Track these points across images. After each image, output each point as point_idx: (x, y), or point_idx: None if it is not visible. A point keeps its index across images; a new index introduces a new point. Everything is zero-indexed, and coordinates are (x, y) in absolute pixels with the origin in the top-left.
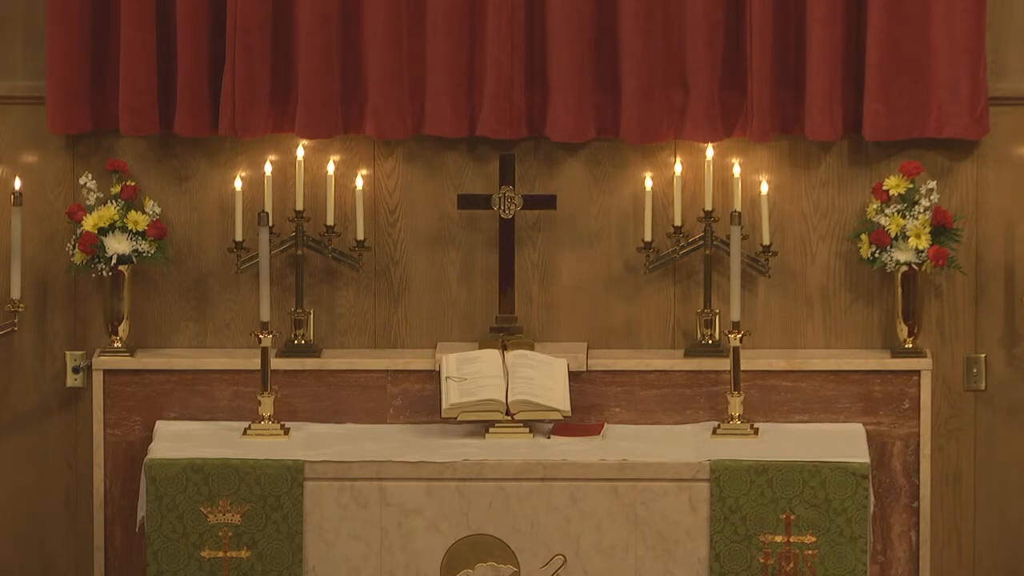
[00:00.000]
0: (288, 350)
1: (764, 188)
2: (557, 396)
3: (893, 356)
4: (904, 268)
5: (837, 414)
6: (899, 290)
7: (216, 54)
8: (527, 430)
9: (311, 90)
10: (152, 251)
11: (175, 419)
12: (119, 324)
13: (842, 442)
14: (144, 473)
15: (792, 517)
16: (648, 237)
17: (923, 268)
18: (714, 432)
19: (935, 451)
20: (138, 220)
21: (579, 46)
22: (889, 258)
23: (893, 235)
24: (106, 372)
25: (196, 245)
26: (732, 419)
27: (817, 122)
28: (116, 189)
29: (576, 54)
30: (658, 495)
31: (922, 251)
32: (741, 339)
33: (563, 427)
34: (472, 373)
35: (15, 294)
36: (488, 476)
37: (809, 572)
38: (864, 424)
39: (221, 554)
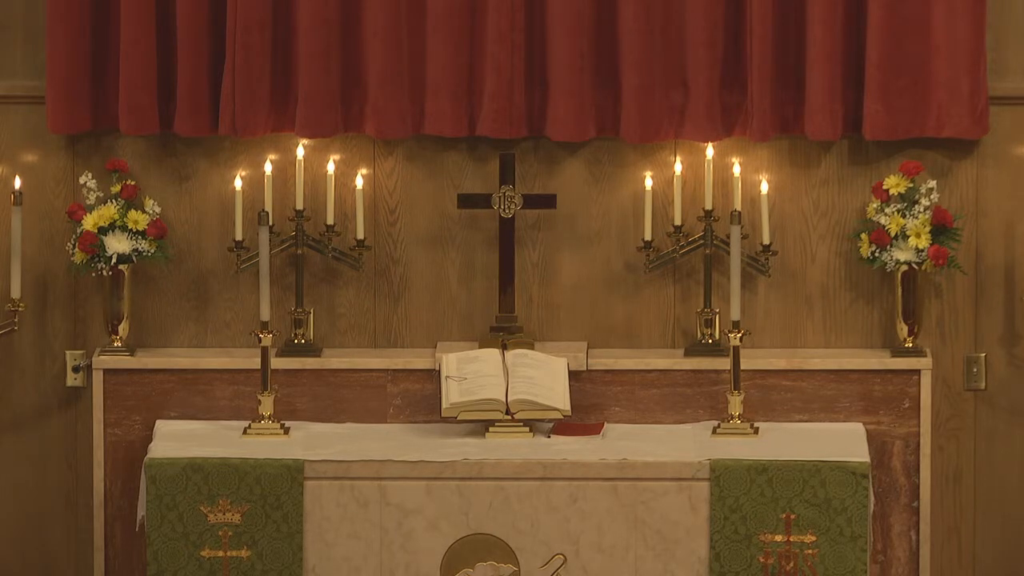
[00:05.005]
0: (288, 349)
1: (764, 188)
2: (557, 395)
3: (893, 356)
4: (904, 267)
5: (837, 414)
6: (899, 290)
7: (216, 54)
8: (527, 429)
9: (311, 90)
10: (152, 250)
11: (175, 419)
12: (119, 323)
13: (842, 442)
14: (144, 473)
15: (792, 516)
16: (648, 236)
17: (923, 268)
18: (714, 431)
19: (935, 451)
20: (138, 219)
21: (579, 45)
22: (889, 257)
23: (893, 234)
24: (106, 371)
25: (196, 245)
26: (732, 418)
27: (817, 122)
28: (116, 188)
29: (576, 53)
30: (658, 495)
31: (922, 250)
32: (741, 338)
33: (563, 426)
34: (472, 372)
35: (15, 293)
36: (488, 476)
37: (809, 572)
38: (864, 424)
39: (221, 554)
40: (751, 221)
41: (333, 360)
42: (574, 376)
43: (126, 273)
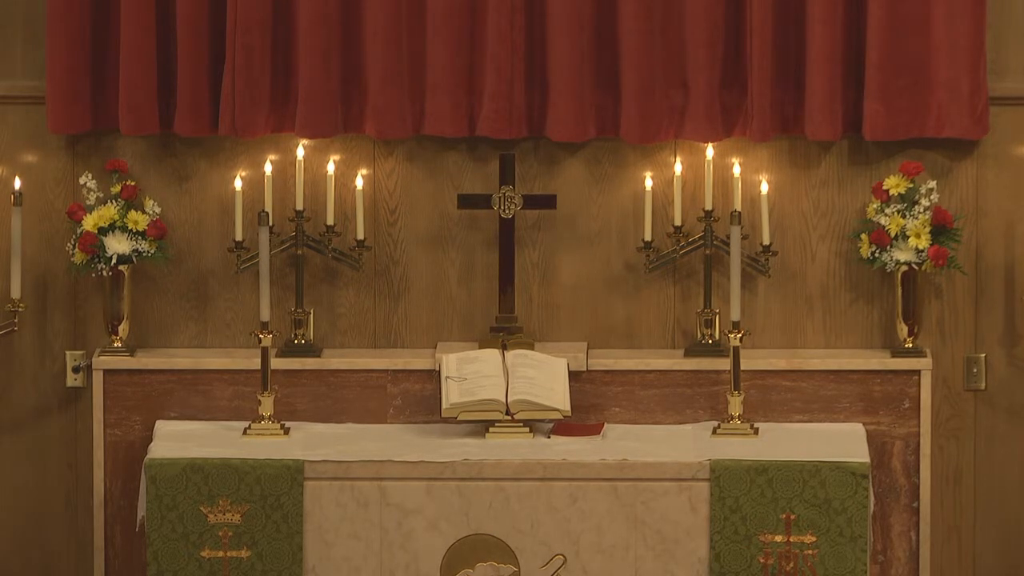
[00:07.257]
0: (288, 350)
1: (764, 188)
2: (557, 396)
3: (893, 356)
4: (904, 268)
5: (837, 414)
6: (899, 290)
7: (216, 54)
8: (527, 430)
9: (311, 90)
10: (152, 251)
11: (175, 419)
12: (119, 324)
13: (842, 442)
14: (144, 473)
15: (792, 517)
16: (648, 237)
17: (923, 268)
18: (714, 432)
19: (935, 451)
20: (138, 220)
21: (579, 46)
22: (889, 258)
23: (893, 235)
24: (106, 372)
25: (196, 245)
26: (732, 419)
27: (817, 122)
28: (116, 189)
29: (576, 54)
30: (658, 495)
31: (922, 251)
32: (741, 339)
33: (563, 427)
34: (472, 373)
35: (15, 294)
36: (488, 476)
37: (809, 572)
38: (864, 424)
39: (221, 554)
40: (751, 221)
41: (333, 360)
42: (574, 376)
43: (126, 273)
